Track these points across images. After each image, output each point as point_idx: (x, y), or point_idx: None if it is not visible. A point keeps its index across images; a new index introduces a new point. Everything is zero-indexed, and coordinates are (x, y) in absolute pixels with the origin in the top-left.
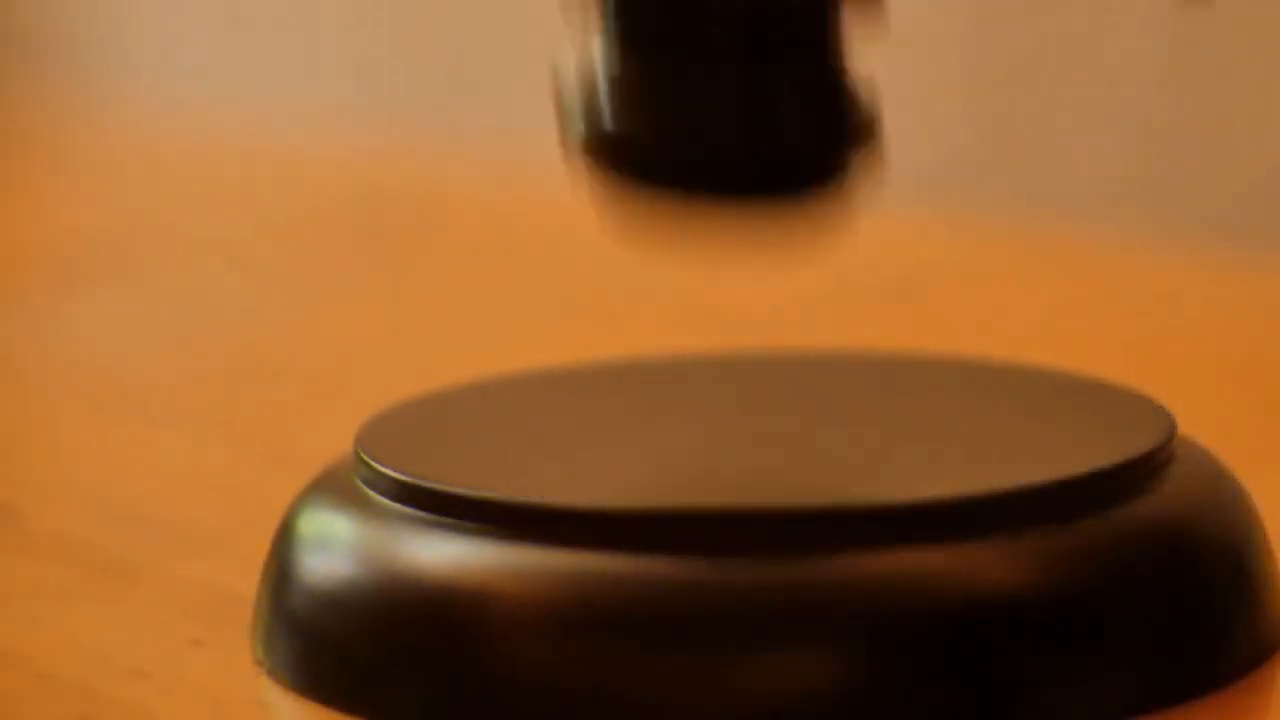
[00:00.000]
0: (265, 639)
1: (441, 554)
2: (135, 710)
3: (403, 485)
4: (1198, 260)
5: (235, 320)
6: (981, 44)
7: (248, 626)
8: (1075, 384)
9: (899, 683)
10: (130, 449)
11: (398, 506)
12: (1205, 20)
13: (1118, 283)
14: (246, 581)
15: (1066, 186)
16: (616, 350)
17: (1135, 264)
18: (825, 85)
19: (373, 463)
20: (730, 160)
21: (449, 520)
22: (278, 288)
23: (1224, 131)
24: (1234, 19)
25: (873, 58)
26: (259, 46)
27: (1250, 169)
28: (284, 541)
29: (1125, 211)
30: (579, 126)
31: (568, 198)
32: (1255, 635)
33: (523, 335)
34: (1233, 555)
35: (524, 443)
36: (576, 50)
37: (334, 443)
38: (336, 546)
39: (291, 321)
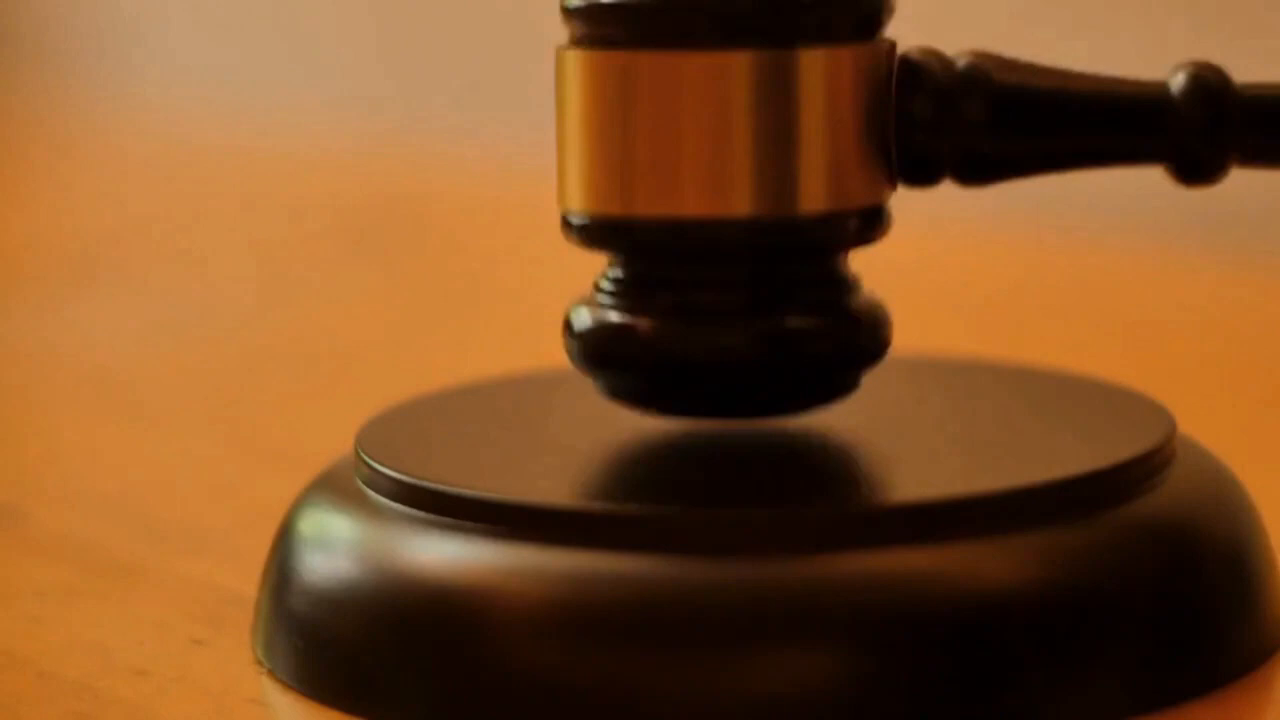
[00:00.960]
0: (265, 639)
1: (441, 554)
2: (135, 710)
3: (403, 485)
4: (1198, 260)
5: (235, 320)
6: (980, 33)
7: (248, 626)
8: (1075, 384)
9: (899, 682)
10: (131, 449)
11: (398, 506)
12: (1206, 19)
13: (1118, 282)
14: (247, 581)
15: (1067, 187)
16: None
17: (1135, 264)
18: (835, 313)
19: (373, 463)
20: (740, 385)
21: (449, 520)
22: (278, 288)
23: None
24: (1236, 18)
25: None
26: (259, 47)
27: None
28: (284, 541)
29: (1125, 212)
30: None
31: None
32: (1255, 635)
33: (523, 335)
34: (1233, 555)
35: (524, 443)
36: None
37: (334, 443)
38: (336, 546)
39: (291, 321)
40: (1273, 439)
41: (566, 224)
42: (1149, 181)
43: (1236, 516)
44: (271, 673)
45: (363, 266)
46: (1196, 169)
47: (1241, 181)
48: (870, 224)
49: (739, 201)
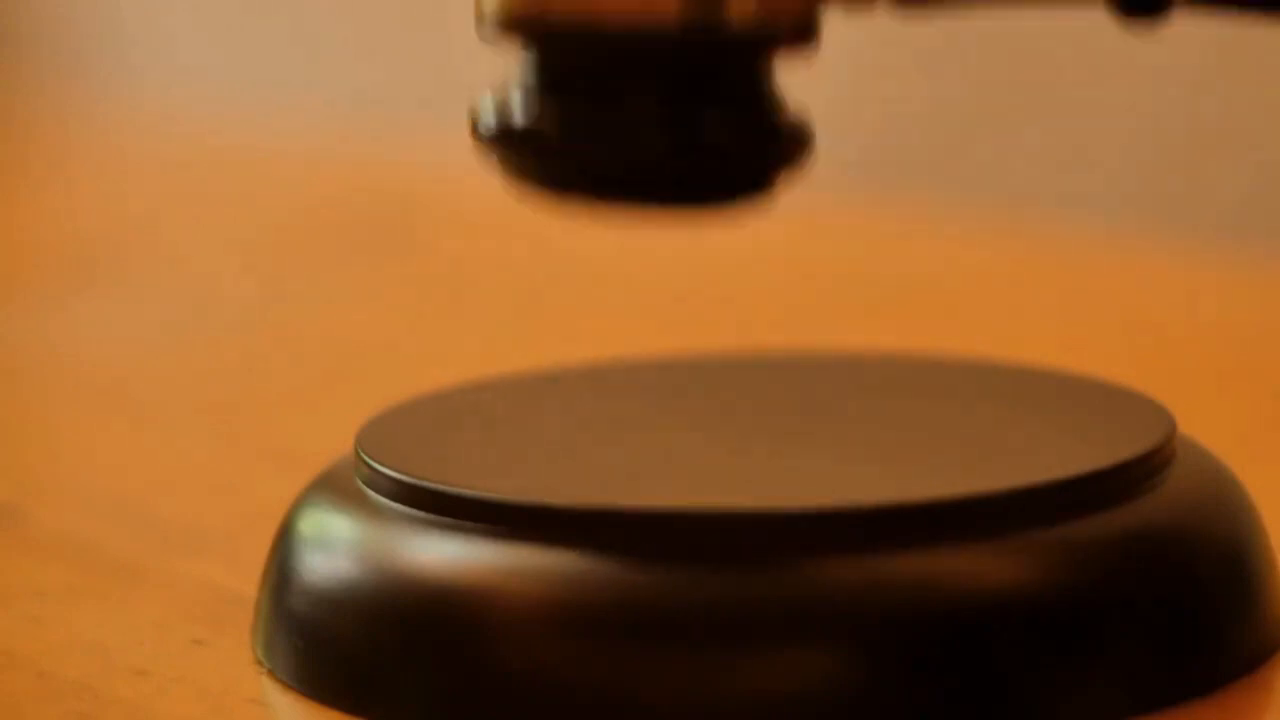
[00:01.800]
0: (266, 639)
1: (441, 554)
2: (135, 710)
3: (403, 485)
4: (1198, 260)
5: (235, 320)
6: (982, 41)
7: (248, 626)
8: (1075, 384)
9: (899, 683)
10: (131, 449)
11: (398, 506)
12: (1206, 18)
13: (1118, 282)
14: (247, 581)
15: (1067, 186)
16: (616, 351)
17: (1136, 264)
18: (750, 106)
19: (373, 463)
20: (652, 174)
21: (449, 520)
22: (277, 288)
23: (1225, 130)
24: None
25: (875, 45)
26: (258, 46)
27: (1251, 168)
28: (284, 541)
29: (1126, 211)
30: (490, 124)
31: None
32: (1255, 635)
33: (522, 335)
34: (1233, 555)
35: (524, 443)
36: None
37: (334, 443)
38: (336, 546)
39: (291, 321)
40: (1273, 439)
41: (480, 19)
42: (1150, 180)
43: (1236, 516)
44: (271, 673)
45: (363, 266)
46: (1139, 2)
47: (1242, 182)
48: (800, 37)
49: (667, 4)
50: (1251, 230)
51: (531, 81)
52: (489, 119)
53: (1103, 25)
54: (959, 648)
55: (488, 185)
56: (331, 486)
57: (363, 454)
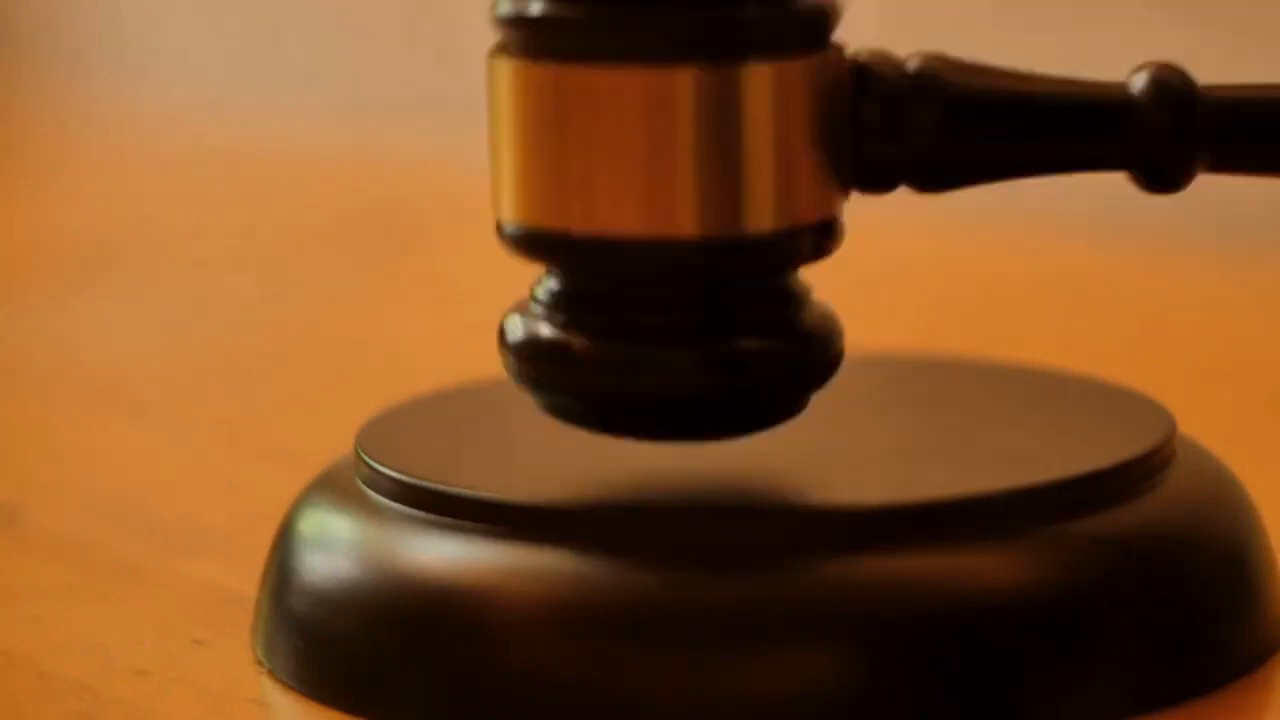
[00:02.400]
0: (266, 639)
1: (441, 554)
2: (135, 710)
3: (403, 485)
4: (1198, 260)
5: (235, 320)
6: (983, 38)
7: (248, 626)
8: (1075, 384)
9: (899, 683)
10: (131, 449)
11: (398, 506)
12: (1207, 17)
13: (1118, 282)
14: (247, 581)
15: (1066, 186)
16: None
17: (1136, 264)
18: (780, 328)
19: (373, 463)
20: (685, 410)
21: (449, 520)
22: (278, 288)
23: None
24: (1237, 16)
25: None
26: (259, 46)
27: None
28: (284, 541)
29: (1126, 211)
30: (517, 341)
31: None
32: (1255, 635)
33: None
34: (1233, 555)
35: (524, 443)
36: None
37: (334, 443)
38: (336, 546)
39: (291, 321)
40: (1273, 439)
41: (500, 232)
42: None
43: (1236, 516)
44: (271, 673)
45: (363, 266)
46: (1161, 175)
47: (1243, 181)
48: (822, 238)
49: (684, 222)
50: (1253, 230)
51: (555, 301)
52: (516, 336)
53: (1104, 22)
54: (959, 648)
55: (488, 185)
56: (331, 486)
57: (363, 454)
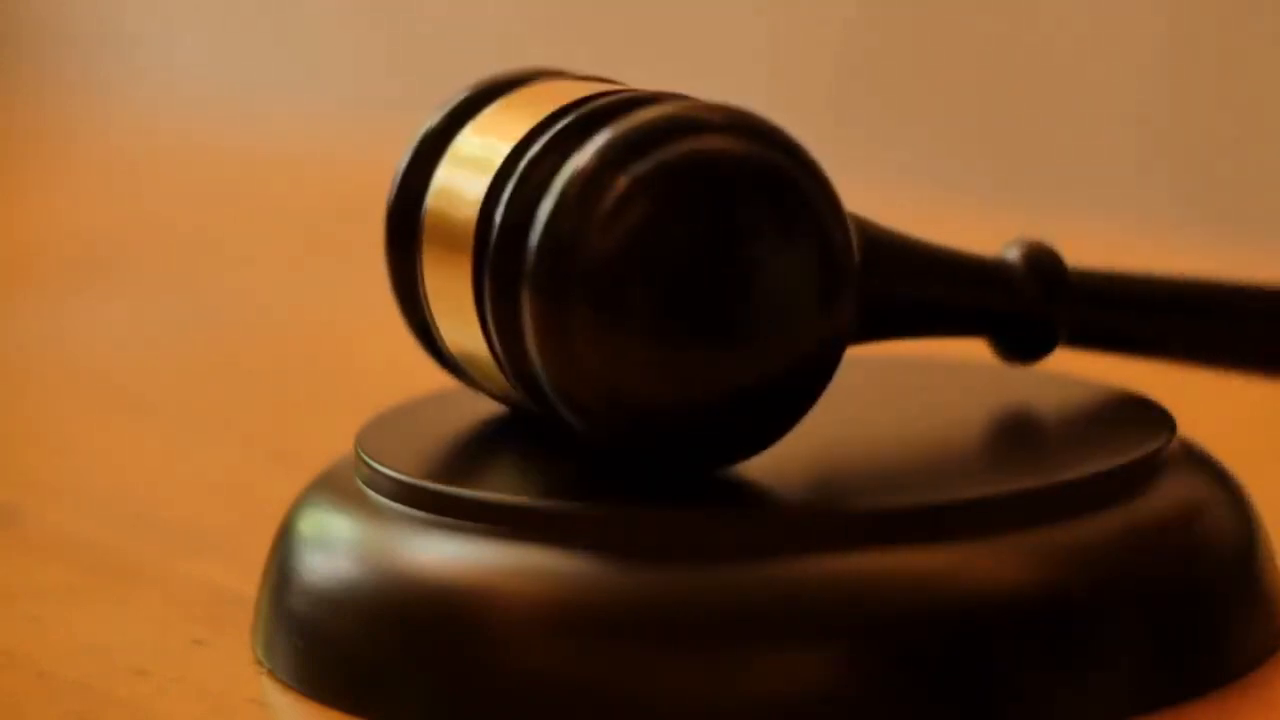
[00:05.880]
0: (266, 639)
1: (441, 554)
2: (135, 710)
3: (403, 485)
4: (1199, 260)
5: (236, 320)
6: (983, 39)
7: (248, 626)
8: (1075, 384)
9: (898, 683)
10: (130, 449)
11: (398, 506)
12: (1207, 16)
13: None
14: (247, 581)
15: (1066, 183)
16: None
17: (1135, 263)
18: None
19: (373, 463)
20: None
21: (449, 520)
22: (278, 288)
23: (1225, 128)
24: (1238, 15)
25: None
26: (259, 46)
27: (1252, 166)
28: (284, 541)
29: (1125, 209)
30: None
31: None
32: (1255, 636)
33: None
34: (1232, 555)
35: (525, 443)
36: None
37: (334, 443)
38: (336, 546)
39: (292, 321)
40: (1273, 439)
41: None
42: (1150, 176)
43: (1236, 517)
44: (271, 673)
45: (363, 266)
46: (1024, 344)
47: (1243, 182)
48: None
49: None
50: (1253, 230)
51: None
52: None
53: (1106, 21)
54: (959, 648)
55: None
56: (331, 486)
57: (363, 454)
